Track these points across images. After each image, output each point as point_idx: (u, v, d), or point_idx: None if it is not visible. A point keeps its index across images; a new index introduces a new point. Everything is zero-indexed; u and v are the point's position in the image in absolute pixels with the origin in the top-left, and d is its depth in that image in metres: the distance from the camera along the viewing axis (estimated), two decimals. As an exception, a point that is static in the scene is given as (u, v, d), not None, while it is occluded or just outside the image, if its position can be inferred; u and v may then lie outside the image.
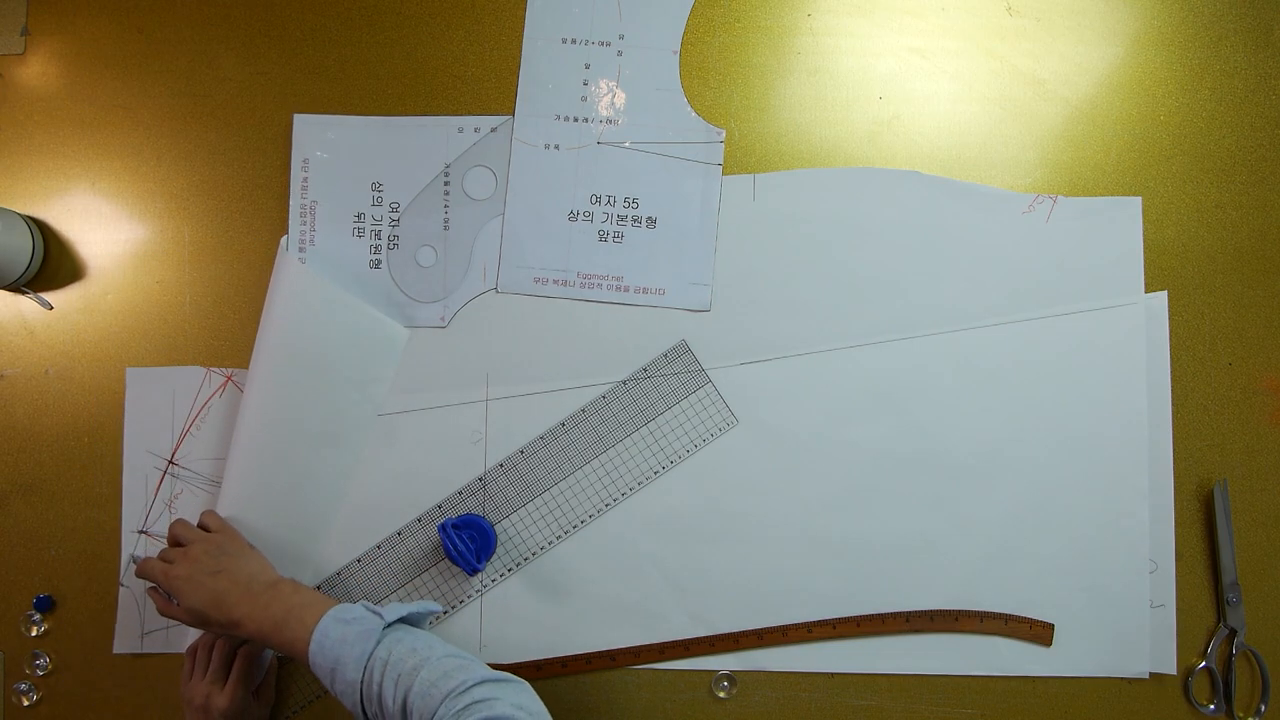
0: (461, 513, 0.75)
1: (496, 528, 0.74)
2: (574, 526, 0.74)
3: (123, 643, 0.76)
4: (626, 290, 0.75)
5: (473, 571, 0.72)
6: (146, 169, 0.79)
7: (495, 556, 0.74)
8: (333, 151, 0.77)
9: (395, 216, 0.76)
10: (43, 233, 0.78)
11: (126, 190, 0.79)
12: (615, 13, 0.75)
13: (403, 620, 0.63)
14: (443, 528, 0.71)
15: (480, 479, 0.75)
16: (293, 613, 0.62)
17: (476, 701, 0.53)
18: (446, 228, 0.76)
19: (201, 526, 0.72)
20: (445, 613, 0.74)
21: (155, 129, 0.79)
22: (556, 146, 0.76)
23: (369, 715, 0.58)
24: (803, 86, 0.76)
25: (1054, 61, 0.75)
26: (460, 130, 0.76)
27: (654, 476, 0.74)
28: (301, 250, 0.76)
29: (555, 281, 0.75)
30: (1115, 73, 0.75)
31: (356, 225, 0.76)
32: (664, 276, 0.75)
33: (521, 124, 0.76)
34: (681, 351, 0.75)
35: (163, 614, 0.68)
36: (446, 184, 0.76)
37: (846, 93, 0.76)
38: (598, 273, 0.75)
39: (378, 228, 0.76)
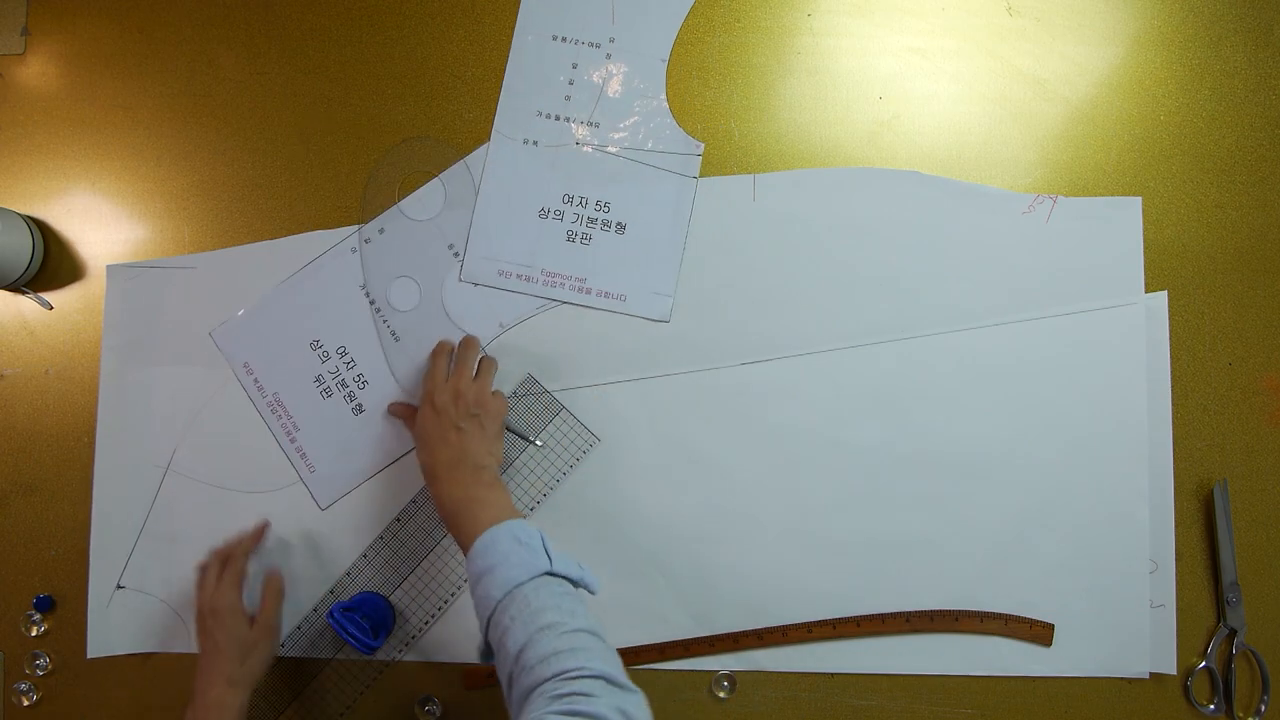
0: (355, 592, 0.75)
1: (395, 595, 0.75)
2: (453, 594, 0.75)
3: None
4: (589, 293, 0.75)
5: (370, 651, 0.72)
6: (146, 169, 0.79)
7: (398, 627, 0.75)
8: (260, 340, 0.76)
9: (349, 359, 0.76)
10: (43, 233, 0.78)
11: (126, 190, 0.79)
12: (609, 15, 0.75)
13: (565, 578, 0.60)
14: (331, 614, 0.71)
15: (364, 556, 0.75)
16: (474, 504, 0.63)
17: (580, 694, 0.50)
18: (397, 339, 0.76)
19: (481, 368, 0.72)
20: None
21: (155, 129, 0.79)
22: (535, 143, 0.75)
23: (489, 638, 0.58)
24: (803, 86, 0.76)
25: (1054, 61, 0.75)
26: (353, 250, 0.76)
27: (528, 513, 0.73)
28: (291, 438, 0.76)
29: (519, 276, 0.75)
30: (1115, 73, 0.75)
31: (320, 388, 0.76)
32: (627, 283, 0.75)
33: (503, 116, 0.76)
34: (531, 385, 0.75)
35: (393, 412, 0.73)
36: (372, 301, 0.76)
37: (846, 93, 0.76)
38: (562, 272, 0.75)
39: (340, 378, 0.76)
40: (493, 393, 0.70)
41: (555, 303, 0.75)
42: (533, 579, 0.57)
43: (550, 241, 0.75)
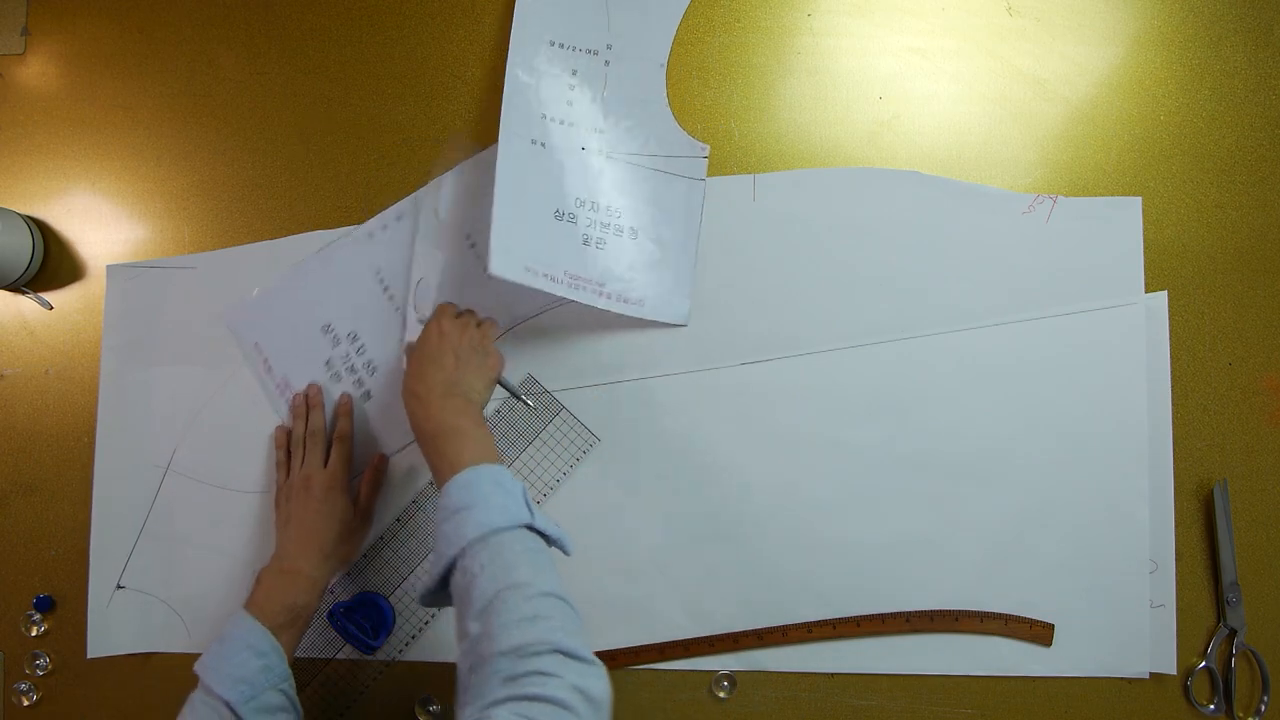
0: (355, 592, 0.75)
1: (394, 596, 0.75)
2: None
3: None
4: (607, 297, 0.74)
5: (370, 651, 0.73)
6: (146, 169, 0.79)
7: (398, 627, 0.74)
8: (272, 322, 0.76)
9: (360, 345, 0.75)
10: (43, 233, 0.78)
11: (126, 190, 0.79)
12: (604, 22, 0.75)
13: (543, 534, 0.57)
14: (331, 614, 0.73)
15: (364, 556, 0.75)
16: (461, 435, 0.60)
17: (537, 673, 0.48)
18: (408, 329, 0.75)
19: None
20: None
21: (155, 129, 0.79)
22: (543, 144, 0.74)
23: (449, 578, 0.55)
24: (803, 86, 0.76)
25: (1054, 61, 0.75)
26: (370, 235, 0.76)
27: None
28: None
29: (545, 275, 0.74)
30: (1115, 73, 0.75)
31: (331, 373, 0.76)
32: (643, 288, 0.74)
33: (508, 118, 0.72)
34: (530, 385, 0.75)
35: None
36: (386, 288, 0.76)
37: (846, 93, 0.76)
38: (582, 275, 0.74)
39: (350, 363, 0.76)
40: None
41: (566, 302, 0.74)
42: (511, 529, 0.55)
43: (568, 244, 0.74)
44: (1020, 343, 0.73)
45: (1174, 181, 0.75)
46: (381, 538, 0.75)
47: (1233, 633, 0.72)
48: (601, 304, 0.73)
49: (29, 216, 0.78)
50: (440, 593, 0.57)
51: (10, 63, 0.79)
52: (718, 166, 0.75)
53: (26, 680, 0.77)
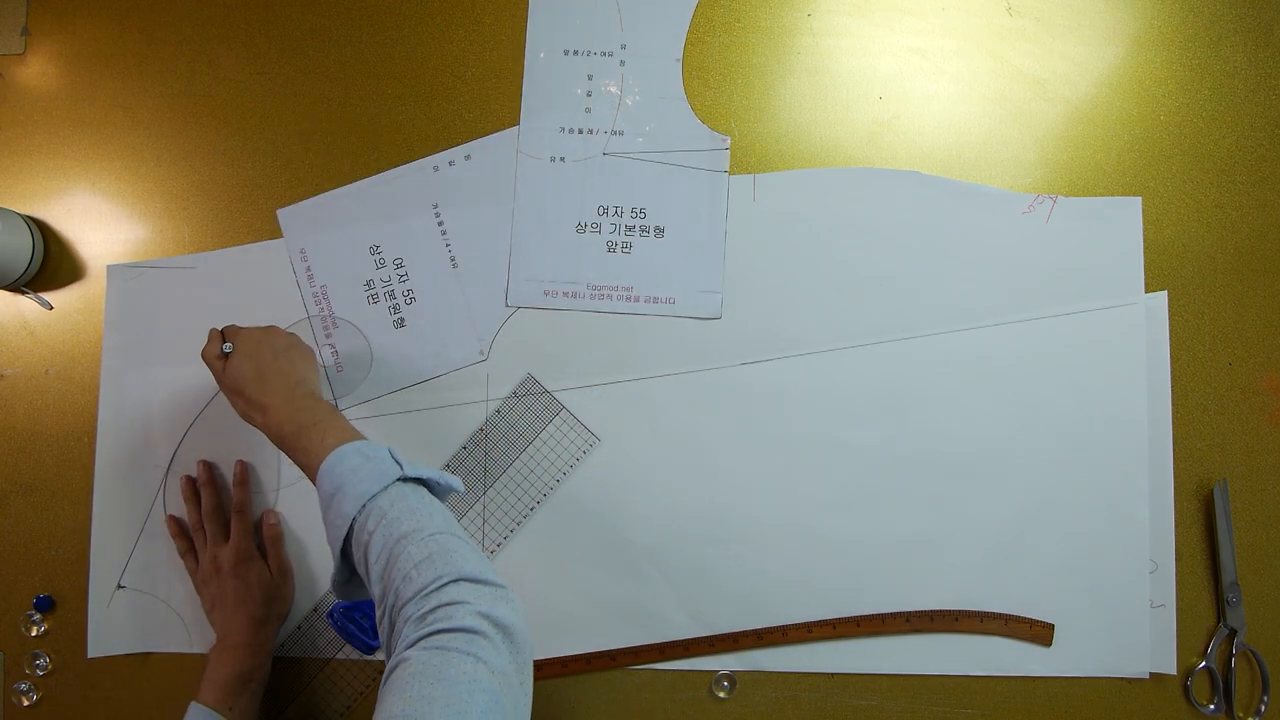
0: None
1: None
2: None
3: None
4: (636, 300, 0.75)
5: (370, 651, 0.73)
6: (146, 169, 0.79)
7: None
8: (323, 230, 0.77)
9: (403, 272, 0.76)
10: (43, 233, 0.78)
11: (126, 190, 0.79)
12: (616, 22, 0.75)
13: (422, 482, 0.58)
14: (331, 615, 0.73)
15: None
16: (319, 426, 0.60)
17: (443, 605, 0.48)
18: (455, 266, 0.76)
19: None
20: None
21: (155, 129, 0.79)
22: (562, 159, 0.76)
23: (352, 558, 0.55)
24: (803, 86, 0.76)
25: (1054, 61, 0.75)
26: (435, 169, 0.76)
27: (528, 513, 0.74)
28: (328, 335, 0.76)
29: (565, 294, 0.75)
30: (1115, 73, 0.75)
31: (369, 293, 0.76)
32: (673, 285, 0.75)
33: (526, 138, 0.76)
34: (531, 385, 0.75)
35: (205, 358, 0.67)
36: (440, 223, 0.76)
37: (846, 93, 0.76)
38: (607, 284, 0.75)
39: (390, 288, 0.76)
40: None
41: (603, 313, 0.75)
42: (385, 489, 0.55)
43: (591, 255, 0.75)
44: (1020, 343, 0.73)
45: (1174, 181, 0.75)
46: None
47: (1233, 633, 0.72)
48: (630, 309, 0.74)
49: (29, 216, 0.78)
50: (350, 581, 0.57)
51: (10, 63, 0.79)
52: (718, 166, 0.76)
53: (26, 680, 0.77)
